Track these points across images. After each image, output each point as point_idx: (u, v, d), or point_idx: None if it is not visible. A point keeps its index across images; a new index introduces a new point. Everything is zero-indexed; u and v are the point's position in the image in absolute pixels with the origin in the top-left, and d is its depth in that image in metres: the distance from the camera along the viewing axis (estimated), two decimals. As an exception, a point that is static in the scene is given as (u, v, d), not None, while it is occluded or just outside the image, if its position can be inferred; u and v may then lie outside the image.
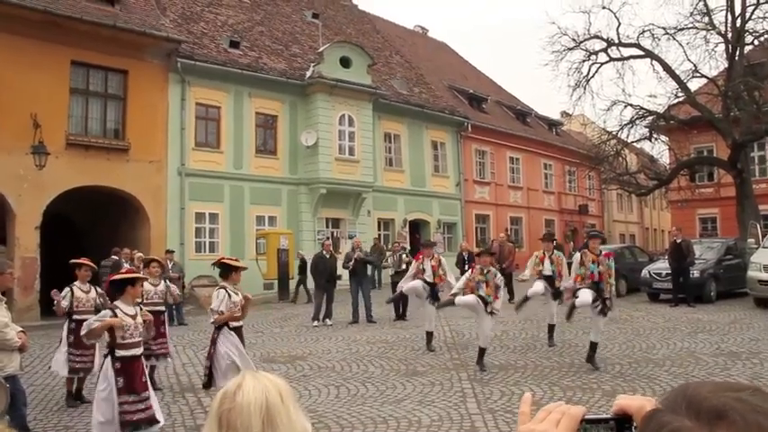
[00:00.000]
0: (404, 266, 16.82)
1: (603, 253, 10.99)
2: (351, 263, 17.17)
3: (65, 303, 9.44)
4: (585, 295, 10.44)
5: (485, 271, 10.80)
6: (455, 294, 11.01)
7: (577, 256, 10.98)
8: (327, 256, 17.41)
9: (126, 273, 7.40)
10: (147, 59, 23.00)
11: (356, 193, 28.96)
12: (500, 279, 10.88)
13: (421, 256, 13.30)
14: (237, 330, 8.23)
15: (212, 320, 8.15)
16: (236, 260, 8.58)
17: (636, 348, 12.13)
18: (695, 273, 19.12)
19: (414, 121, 33.01)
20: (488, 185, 37.97)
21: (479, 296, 10.65)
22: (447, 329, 15.06)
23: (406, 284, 13.17)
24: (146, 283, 10.07)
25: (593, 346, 10.70)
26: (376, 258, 18.82)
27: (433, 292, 12.86)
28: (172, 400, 9.44)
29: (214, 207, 24.95)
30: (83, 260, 9.86)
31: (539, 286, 12.71)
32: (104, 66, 21.99)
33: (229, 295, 8.12)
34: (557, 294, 12.80)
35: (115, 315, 6.67)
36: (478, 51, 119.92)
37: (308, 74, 27.77)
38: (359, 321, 16.85)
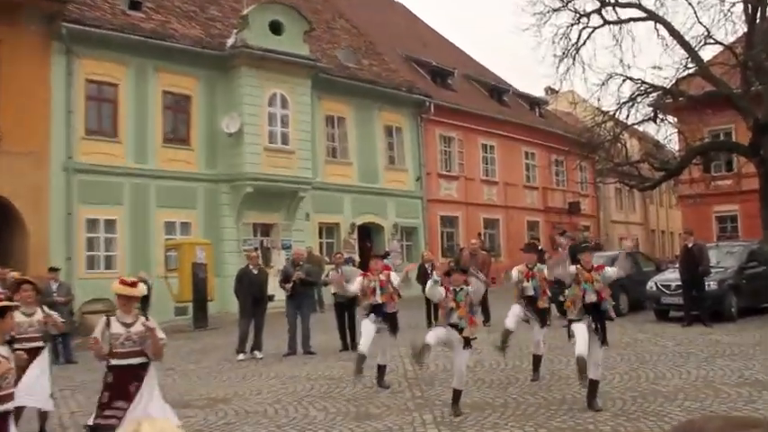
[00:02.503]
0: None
1: (596, 266, 11.10)
2: (289, 285, 17.07)
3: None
4: (581, 343, 10.51)
5: (457, 291, 10.76)
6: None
7: (573, 271, 11.02)
8: (255, 272, 17.27)
9: None
10: (22, 24, 22.63)
11: (291, 192, 28.87)
12: (475, 291, 10.90)
13: (370, 272, 13.25)
14: (129, 370, 8.08)
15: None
16: (129, 282, 8.37)
17: (641, 379, 12.25)
18: (712, 284, 19.44)
19: (363, 102, 33.09)
20: (456, 180, 38.22)
21: (451, 324, 10.58)
22: (408, 361, 15.03)
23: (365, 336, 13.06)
24: (17, 314, 9.74)
25: (594, 385, 10.65)
26: (316, 274, 18.74)
27: (383, 314, 12.80)
28: (56, 458, 9.23)
29: (111, 212, 24.64)
30: None
31: (514, 313, 12.76)
32: (-34, 33, 21.57)
33: (108, 324, 8.03)
34: (542, 318, 12.88)
35: None
36: (443, 13, 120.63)
37: (230, 42, 27.61)
38: (296, 353, 16.76)
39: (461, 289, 10.77)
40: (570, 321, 10.94)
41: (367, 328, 12.80)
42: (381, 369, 12.89)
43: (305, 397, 12.14)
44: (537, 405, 10.82)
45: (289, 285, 17.12)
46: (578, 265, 11.00)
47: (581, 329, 10.64)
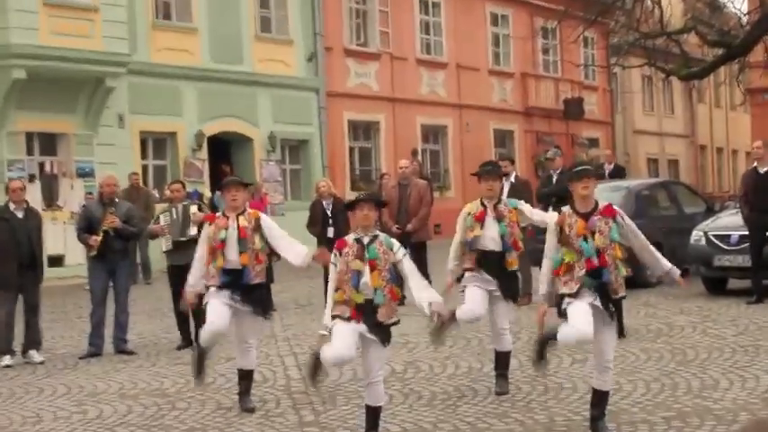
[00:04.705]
0: (193, 232, 16.63)
1: (601, 209, 10.79)
2: (96, 237, 16.85)
3: None
4: (579, 317, 10.31)
5: (365, 243, 10.61)
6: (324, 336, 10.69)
7: (552, 221, 10.79)
8: (19, 215, 16.90)
9: None
10: None
11: (93, 80, 28.62)
12: (400, 252, 10.71)
13: (219, 214, 13.03)
14: None
15: None
16: None
17: (680, 390, 12.44)
18: (796, 236, 19.81)
19: None
20: (376, 61, 38.21)
21: (364, 304, 10.49)
22: (292, 363, 15.10)
23: (199, 283, 12.89)
24: None
25: (601, 398, 10.66)
26: (141, 220, 18.51)
27: (242, 287, 12.56)
28: None
29: None
30: None
31: (474, 301, 12.59)
32: None
33: None
34: (510, 288, 12.84)
35: None
36: None
37: None
38: (102, 353, 16.72)
39: (375, 237, 10.74)
40: (562, 297, 10.68)
41: (216, 310, 12.55)
42: (245, 377, 12.83)
43: (117, 426, 12.07)
44: (508, 433, 10.97)
45: (95, 238, 16.88)
46: (567, 207, 10.71)
47: (579, 308, 10.45)
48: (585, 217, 10.42)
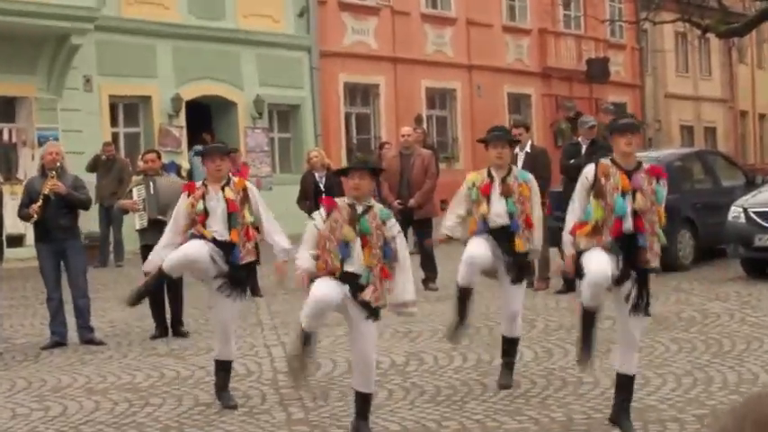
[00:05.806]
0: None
1: (646, 168, 10.77)
2: (36, 206, 16.73)
3: None
4: (598, 264, 10.26)
5: (359, 213, 10.59)
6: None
7: (588, 172, 10.70)
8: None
9: None
10: None
11: (57, 37, 28.59)
12: (395, 228, 10.67)
13: (199, 184, 12.87)
14: None
15: None
16: None
17: (714, 384, 12.47)
18: None
19: None
20: (375, 15, 38.17)
21: (346, 275, 10.47)
22: (280, 354, 15.08)
23: (166, 251, 12.75)
24: None
25: (625, 383, 10.66)
26: (88, 192, 18.38)
27: (231, 265, 12.45)
28: None
29: None
30: None
31: (476, 253, 12.46)
32: None
33: None
34: (518, 268, 12.79)
35: None
36: None
37: None
38: (67, 342, 16.72)
39: (369, 208, 10.67)
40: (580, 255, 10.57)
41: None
42: (222, 368, 12.80)
43: (83, 424, 12.07)
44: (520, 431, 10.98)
45: (34, 207, 16.63)
46: (609, 159, 10.61)
47: (598, 255, 10.38)
48: (628, 174, 10.32)
